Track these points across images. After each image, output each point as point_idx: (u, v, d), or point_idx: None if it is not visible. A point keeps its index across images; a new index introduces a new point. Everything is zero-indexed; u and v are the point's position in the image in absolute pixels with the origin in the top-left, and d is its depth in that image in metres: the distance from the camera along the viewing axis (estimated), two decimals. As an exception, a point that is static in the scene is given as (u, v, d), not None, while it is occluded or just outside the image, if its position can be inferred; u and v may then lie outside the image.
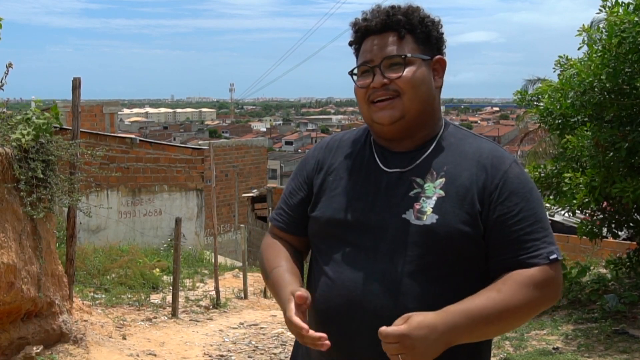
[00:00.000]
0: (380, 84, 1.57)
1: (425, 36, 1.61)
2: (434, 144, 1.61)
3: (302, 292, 1.50)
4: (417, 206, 1.54)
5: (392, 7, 1.61)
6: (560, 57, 6.55)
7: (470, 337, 1.45)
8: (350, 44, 1.68)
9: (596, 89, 5.74)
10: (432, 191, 1.54)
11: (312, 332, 1.44)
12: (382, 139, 1.64)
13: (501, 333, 1.51)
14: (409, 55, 1.57)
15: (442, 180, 1.55)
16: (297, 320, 1.46)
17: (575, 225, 7.01)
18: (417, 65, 1.58)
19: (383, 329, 1.37)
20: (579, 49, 6.21)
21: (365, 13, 1.64)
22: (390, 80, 1.56)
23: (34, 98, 4.67)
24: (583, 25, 5.99)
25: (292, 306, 1.48)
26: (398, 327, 1.37)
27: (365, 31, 1.62)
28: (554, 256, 1.51)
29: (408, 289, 1.50)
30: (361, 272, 1.55)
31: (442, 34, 1.65)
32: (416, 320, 1.38)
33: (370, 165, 1.63)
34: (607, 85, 5.64)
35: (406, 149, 1.61)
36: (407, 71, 1.56)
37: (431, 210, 1.52)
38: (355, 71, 1.65)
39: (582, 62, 5.97)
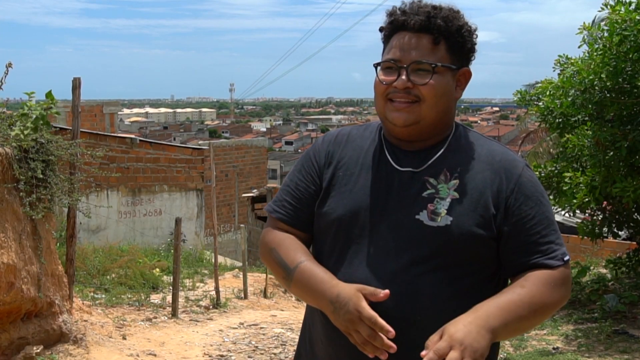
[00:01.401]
0: (404, 87, 1.54)
1: (459, 46, 1.58)
2: (445, 145, 1.60)
3: (371, 289, 1.45)
4: (430, 207, 1.53)
5: (434, 8, 1.56)
6: (560, 56, 6.55)
7: (506, 328, 1.43)
8: (381, 29, 1.63)
9: (597, 88, 5.73)
10: (446, 192, 1.54)
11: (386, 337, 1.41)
12: (393, 137, 1.62)
13: (530, 328, 1.54)
14: (439, 64, 1.54)
15: (455, 182, 1.55)
16: (381, 320, 1.41)
17: (575, 225, 7.00)
18: (443, 75, 1.55)
19: (429, 355, 1.34)
20: (579, 47, 6.20)
21: (405, 4, 1.59)
22: (414, 85, 1.54)
23: (29, 95, 4.61)
24: (584, 23, 5.99)
25: (364, 303, 1.43)
26: (439, 342, 1.35)
27: (400, 25, 1.57)
28: (567, 257, 1.54)
29: (420, 289, 1.50)
30: (372, 272, 1.52)
31: (475, 44, 1.62)
32: (450, 327, 1.37)
33: (381, 162, 1.61)
34: (608, 84, 5.63)
35: (417, 148, 1.60)
36: (433, 80, 1.53)
37: (445, 211, 1.51)
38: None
39: (583, 61, 5.97)
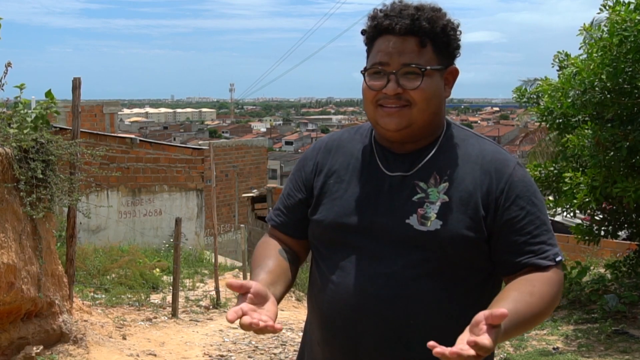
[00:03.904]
0: (394, 93, 1.51)
1: (445, 45, 1.55)
2: (436, 146, 1.58)
3: (254, 286, 1.38)
4: (420, 212, 1.52)
5: (417, 9, 1.53)
6: (559, 52, 6.54)
7: (506, 338, 1.39)
8: (363, 32, 1.60)
9: (597, 88, 5.73)
10: (436, 196, 1.53)
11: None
12: (385, 140, 1.61)
13: (522, 334, 1.47)
14: (428, 68, 1.51)
15: (445, 185, 1.53)
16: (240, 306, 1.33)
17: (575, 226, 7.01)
18: (432, 77, 1.53)
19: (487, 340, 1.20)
20: (580, 48, 6.21)
21: (386, 6, 1.56)
22: (404, 90, 1.51)
23: (20, 88, 4.58)
24: (584, 24, 5.99)
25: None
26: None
27: (384, 29, 1.53)
28: (560, 258, 1.52)
29: (413, 293, 1.50)
30: (365, 277, 1.53)
31: (460, 40, 1.59)
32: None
33: (372, 168, 1.61)
34: (608, 84, 5.64)
35: (409, 150, 1.59)
36: (424, 84, 1.51)
37: (435, 216, 1.50)
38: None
39: (583, 61, 5.97)
